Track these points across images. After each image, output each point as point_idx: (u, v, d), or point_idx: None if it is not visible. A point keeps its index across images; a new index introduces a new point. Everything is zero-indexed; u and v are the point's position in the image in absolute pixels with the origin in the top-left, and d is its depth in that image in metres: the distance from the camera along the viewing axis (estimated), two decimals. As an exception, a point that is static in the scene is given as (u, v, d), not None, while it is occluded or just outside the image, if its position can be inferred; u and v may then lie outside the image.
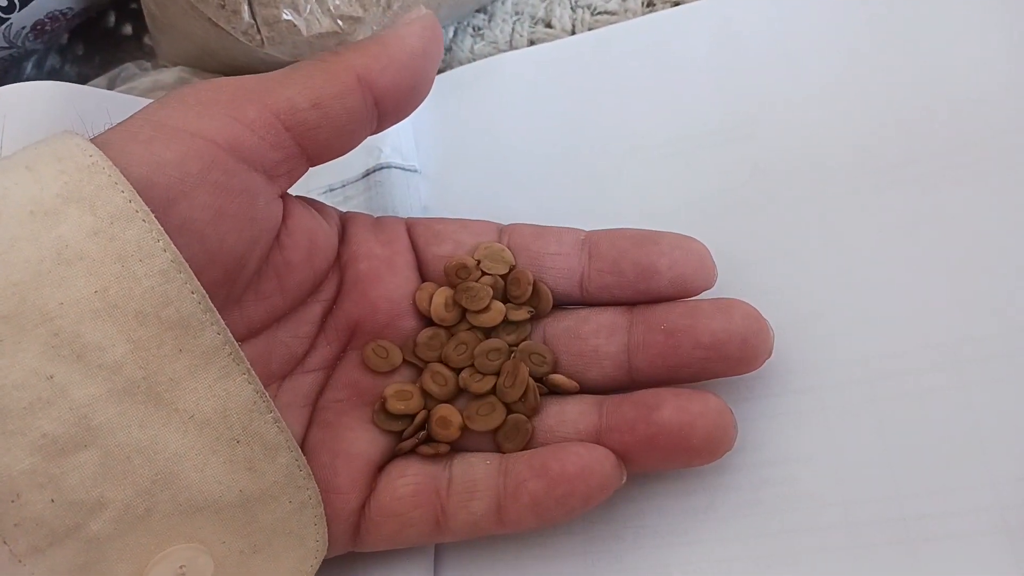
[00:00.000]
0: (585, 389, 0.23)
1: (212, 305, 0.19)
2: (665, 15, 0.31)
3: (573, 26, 0.34)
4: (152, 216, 0.18)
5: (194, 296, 0.19)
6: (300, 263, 0.23)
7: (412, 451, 0.23)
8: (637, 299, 0.23)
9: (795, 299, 0.25)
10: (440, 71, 0.34)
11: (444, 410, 0.23)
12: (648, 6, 0.33)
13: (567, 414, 0.23)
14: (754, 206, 0.27)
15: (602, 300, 0.24)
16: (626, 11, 0.33)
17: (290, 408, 0.23)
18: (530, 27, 0.34)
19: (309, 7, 0.31)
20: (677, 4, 0.32)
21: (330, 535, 0.22)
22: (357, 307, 0.24)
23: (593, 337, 0.23)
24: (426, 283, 0.25)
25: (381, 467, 0.23)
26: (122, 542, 0.18)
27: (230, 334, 0.19)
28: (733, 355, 0.22)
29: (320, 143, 0.22)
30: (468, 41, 0.35)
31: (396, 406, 0.23)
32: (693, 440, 0.21)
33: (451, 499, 0.22)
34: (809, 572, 0.22)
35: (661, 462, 0.22)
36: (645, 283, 0.23)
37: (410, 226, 0.26)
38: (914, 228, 0.24)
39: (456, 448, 0.23)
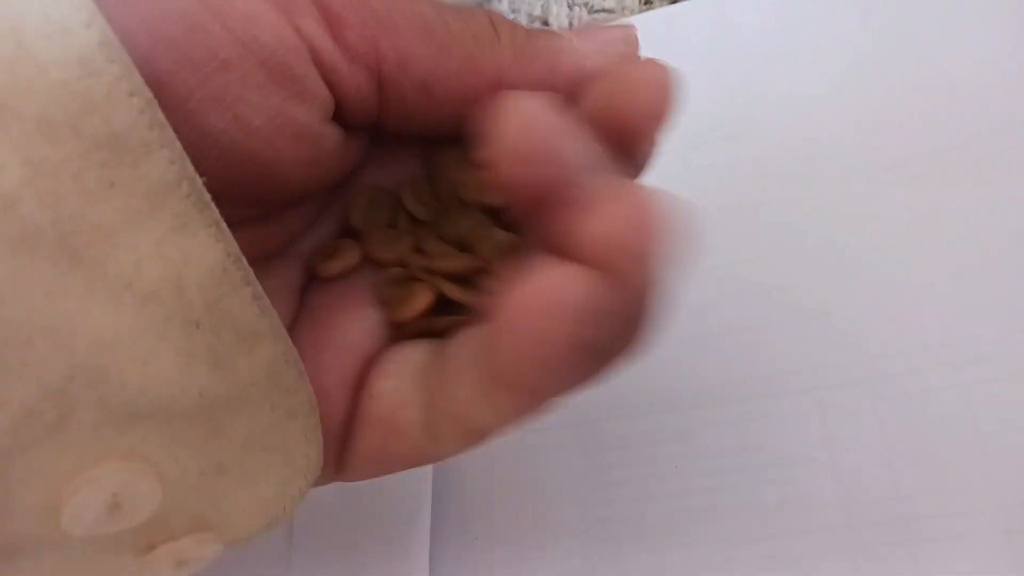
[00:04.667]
0: None
1: (163, 118, 0.13)
2: (662, 12, 0.31)
3: (570, 24, 0.33)
4: None
5: (134, 100, 0.12)
6: None
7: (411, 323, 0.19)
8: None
9: (794, 298, 0.25)
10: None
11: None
12: (645, 3, 0.32)
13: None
14: (753, 204, 0.26)
15: None
16: (623, 8, 0.33)
17: (277, 294, 0.18)
18: (527, 25, 0.34)
19: (304, 6, 0.30)
20: (674, 2, 0.31)
21: None
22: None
23: None
24: None
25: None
26: (24, 461, 0.13)
27: (190, 165, 0.13)
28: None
29: (405, 124, 0.17)
30: (465, 40, 0.35)
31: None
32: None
33: (441, 391, 0.17)
34: (809, 573, 0.21)
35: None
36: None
37: None
38: (915, 227, 0.24)
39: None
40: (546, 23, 0.34)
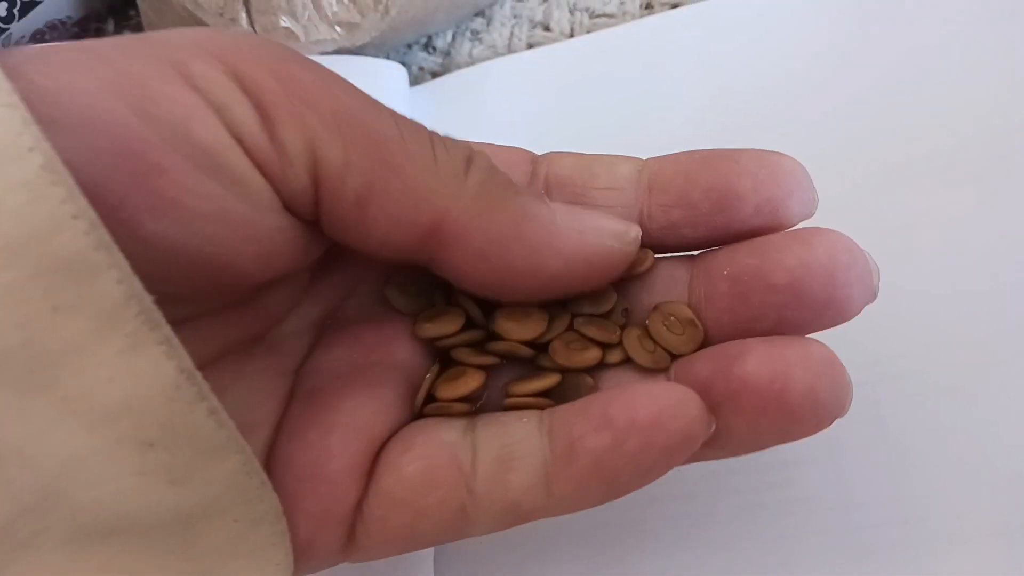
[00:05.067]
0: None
1: (109, 239, 0.12)
2: (663, 18, 0.31)
3: (571, 29, 0.34)
4: (16, 97, 0.12)
5: (79, 223, 0.12)
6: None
7: (430, 403, 0.18)
8: (715, 239, 0.18)
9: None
10: (437, 75, 0.34)
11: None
12: (646, 9, 0.33)
13: (625, 377, 0.18)
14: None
15: (670, 245, 0.18)
16: (624, 14, 0.33)
17: (262, 377, 0.18)
18: (528, 31, 0.34)
19: (307, 14, 0.31)
20: (675, 7, 0.32)
21: (317, 543, 0.17)
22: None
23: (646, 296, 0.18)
24: None
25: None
26: None
27: (139, 284, 0.13)
28: (817, 297, 0.16)
29: (340, 235, 0.16)
30: (467, 45, 0.35)
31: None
32: (790, 397, 0.15)
33: (479, 473, 0.16)
34: (811, 576, 0.22)
35: (750, 431, 0.16)
36: (724, 215, 0.17)
37: None
38: (913, 229, 0.24)
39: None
40: (547, 28, 0.34)
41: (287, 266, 0.16)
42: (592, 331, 0.18)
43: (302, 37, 0.31)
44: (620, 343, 0.18)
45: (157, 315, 0.13)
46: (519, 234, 0.16)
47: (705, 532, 0.23)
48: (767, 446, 0.17)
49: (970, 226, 0.24)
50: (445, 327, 0.18)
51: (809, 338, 0.16)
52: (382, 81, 0.32)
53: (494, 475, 0.16)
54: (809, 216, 0.17)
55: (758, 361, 0.16)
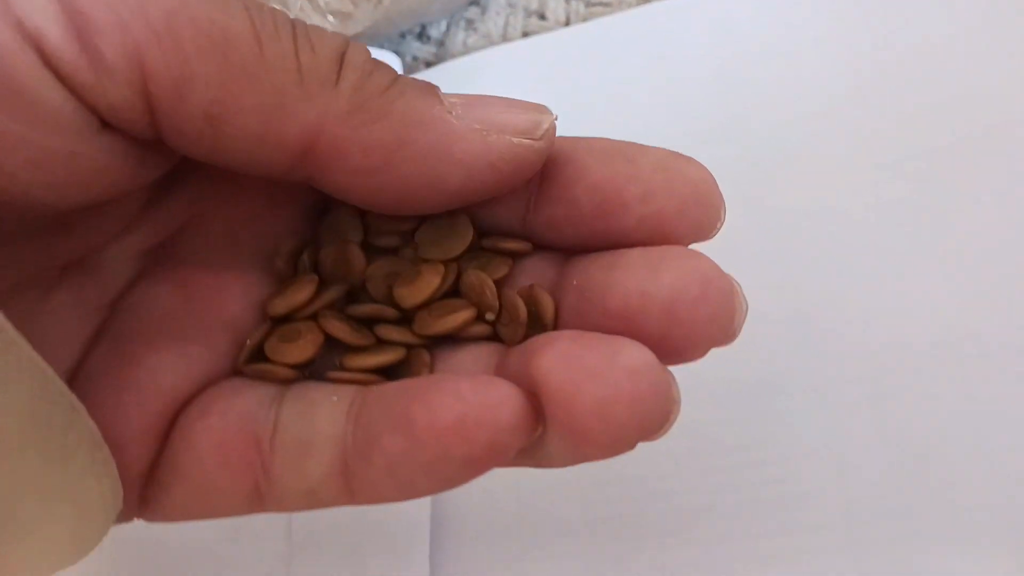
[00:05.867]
0: None
1: None
2: (660, 6, 0.31)
3: (567, 18, 0.33)
4: None
5: None
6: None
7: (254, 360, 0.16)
8: (595, 244, 0.15)
9: (795, 297, 0.24)
10: (432, 65, 0.34)
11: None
12: (643, -3, 0.32)
13: (462, 363, 0.16)
14: (751, 201, 0.26)
15: (551, 242, 0.16)
16: (620, 2, 0.32)
17: (69, 311, 0.16)
18: (524, 19, 0.34)
19: (299, 3, 0.30)
20: (672, -6, 0.31)
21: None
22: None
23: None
24: None
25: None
26: None
27: None
28: (652, 332, 0.13)
29: (193, 154, 0.14)
30: (461, 35, 0.35)
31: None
32: (576, 413, 0.13)
33: (276, 455, 0.15)
34: (809, 571, 0.21)
35: (551, 441, 0.14)
36: (604, 221, 0.15)
37: None
38: (915, 224, 0.24)
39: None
40: (543, 17, 0.34)
41: (105, 192, 0.14)
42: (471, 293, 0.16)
43: (294, 26, 0.30)
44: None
45: None
46: (408, 143, 0.14)
47: (703, 527, 0.23)
48: (574, 463, 0.14)
49: (971, 221, 0.24)
50: (297, 296, 0.16)
51: (626, 340, 0.13)
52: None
53: (292, 459, 0.14)
54: (705, 239, 0.15)
55: (552, 361, 0.13)
